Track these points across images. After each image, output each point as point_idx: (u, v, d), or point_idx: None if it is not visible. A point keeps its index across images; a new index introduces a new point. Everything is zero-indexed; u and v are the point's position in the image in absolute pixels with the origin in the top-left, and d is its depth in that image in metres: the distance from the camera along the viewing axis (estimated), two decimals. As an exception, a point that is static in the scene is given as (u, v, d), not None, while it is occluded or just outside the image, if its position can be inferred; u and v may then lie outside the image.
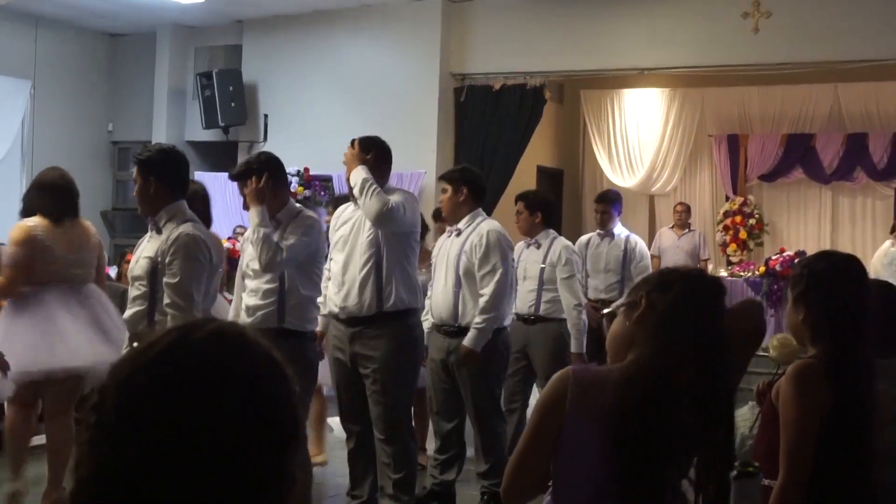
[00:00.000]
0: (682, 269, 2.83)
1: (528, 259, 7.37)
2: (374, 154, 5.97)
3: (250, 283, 5.59)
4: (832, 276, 3.21)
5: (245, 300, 5.60)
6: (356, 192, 5.81)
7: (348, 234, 6.00)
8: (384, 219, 5.75)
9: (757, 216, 14.61)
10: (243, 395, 1.34)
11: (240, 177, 5.65)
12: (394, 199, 5.81)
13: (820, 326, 3.16)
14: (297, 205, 5.81)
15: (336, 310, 6.01)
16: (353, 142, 6.09)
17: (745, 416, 3.77)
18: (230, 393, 1.33)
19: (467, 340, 6.38)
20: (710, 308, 2.60)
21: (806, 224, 14.96)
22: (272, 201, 5.59)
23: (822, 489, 3.04)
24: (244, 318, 5.45)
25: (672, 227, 13.25)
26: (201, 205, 6.02)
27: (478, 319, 6.37)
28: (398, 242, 5.90)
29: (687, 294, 2.57)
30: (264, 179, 5.55)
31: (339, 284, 5.97)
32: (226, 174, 5.71)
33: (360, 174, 5.84)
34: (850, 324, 3.13)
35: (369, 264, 5.87)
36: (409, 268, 5.96)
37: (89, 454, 1.33)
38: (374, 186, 5.77)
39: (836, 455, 3.05)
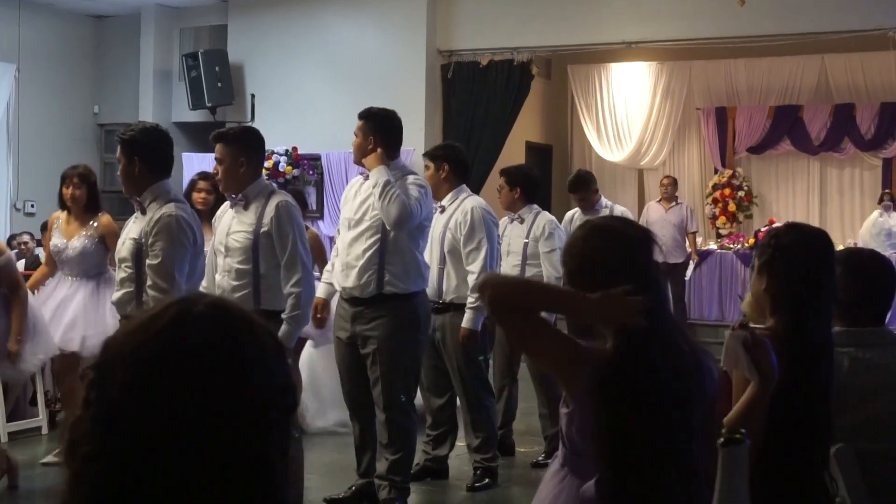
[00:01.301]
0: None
1: (512, 234, 7.36)
2: (375, 137, 5.91)
3: (223, 262, 5.45)
4: (798, 248, 3.20)
5: (219, 280, 5.48)
6: (376, 192, 5.71)
7: (354, 213, 5.93)
8: (402, 223, 5.69)
9: (746, 188, 14.65)
10: (248, 367, 1.35)
11: (219, 138, 5.54)
12: (412, 194, 5.73)
13: (779, 298, 3.15)
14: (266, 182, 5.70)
15: (339, 289, 5.98)
16: (359, 116, 6.00)
17: None
18: (237, 364, 1.34)
19: (466, 322, 6.38)
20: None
21: (795, 195, 15.01)
22: (244, 177, 5.48)
23: (770, 463, 3.03)
24: None
25: (659, 201, 13.25)
26: None
27: (471, 299, 6.36)
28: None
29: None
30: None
31: (343, 263, 5.91)
32: (213, 155, 5.60)
33: (381, 176, 5.72)
34: (810, 298, 3.13)
35: (374, 248, 5.80)
36: (415, 251, 5.89)
37: (93, 431, 1.32)
38: (395, 191, 5.66)
39: (783, 430, 3.05)
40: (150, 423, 1.30)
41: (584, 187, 8.48)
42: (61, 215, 7.10)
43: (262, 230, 5.31)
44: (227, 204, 5.61)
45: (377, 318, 5.80)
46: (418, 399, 6.85)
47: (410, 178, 5.90)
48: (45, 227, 10.73)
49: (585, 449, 2.68)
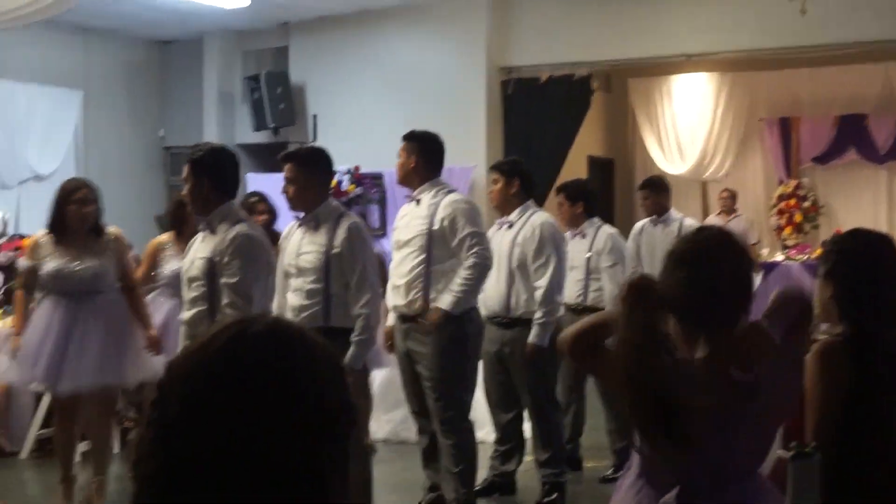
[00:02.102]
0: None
1: (574, 249, 7.33)
2: (416, 157, 6.01)
3: (294, 282, 5.56)
4: (861, 254, 3.18)
5: (290, 299, 5.59)
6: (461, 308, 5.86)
7: (402, 234, 6.04)
8: (489, 267, 5.94)
9: (811, 199, 14.47)
10: (304, 387, 1.36)
11: (289, 158, 5.64)
12: (472, 230, 5.87)
13: (846, 304, 3.13)
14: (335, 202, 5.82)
15: (390, 307, 6.09)
16: (403, 138, 6.12)
17: None
18: (291, 384, 1.36)
19: (533, 337, 6.38)
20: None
21: (861, 205, 14.78)
22: (314, 197, 5.59)
23: (846, 469, 3.00)
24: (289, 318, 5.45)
25: (719, 214, 13.13)
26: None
27: (538, 314, 6.38)
28: (450, 245, 5.91)
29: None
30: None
31: (394, 283, 6.03)
32: (278, 175, 5.69)
33: (448, 307, 5.82)
34: (876, 303, 3.09)
35: (420, 266, 5.89)
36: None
37: (151, 451, 1.35)
38: (465, 295, 5.82)
39: (858, 436, 3.02)
40: (206, 441, 1.32)
41: (654, 189, 8.43)
42: (166, 238, 7.22)
43: (334, 251, 5.41)
44: (293, 224, 5.68)
45: (426, 335, 5.85)
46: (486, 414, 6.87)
47: (453, 198, 5.97)
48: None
49: (661, 460, 2.67)
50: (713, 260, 2.71)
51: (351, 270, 5.41)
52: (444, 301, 5.80)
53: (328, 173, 5.74)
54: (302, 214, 5.60)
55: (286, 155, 5.65)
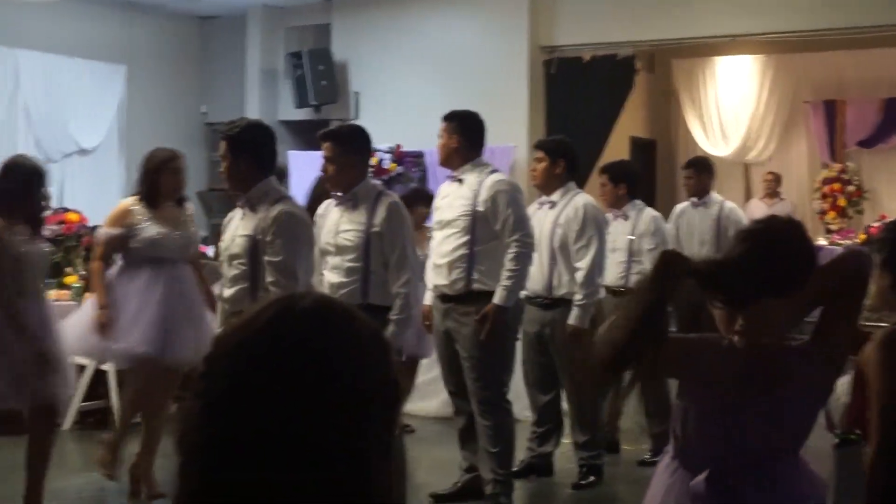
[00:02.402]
0: None
1: (616, 231, 7.29)
2: (458, 137, 5.98)
3: (332, 260, 5.57)
4: None
5: (327, 276, 5.59)
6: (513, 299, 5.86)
7: (445, 214, 6.01)
8: (532, 253, 5.96)
9: (856, 183, 14.32)
10: (350, 362, 1.37)
11: (328, 137, 5.62)
12: (518, 215, 5.84)
13: None
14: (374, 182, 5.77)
15: (431, 286, 6.08)
16: (443, 118, 6.11)
17: (847, 383, 3.70)
18: (338, 359, 1.36)
19: (573, 318, 6.36)
20: None
21: (907, 190, 14.62)
22: (353, 175, 5.58)
23: (890, 464, 2.96)
24: None
25: (762, 198, 13.02)
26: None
27: (578, 296, 6.36)
28: (494, 226, 5.89)
29: None
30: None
31: (435, 262, 6.01)
32: (319, 153, 5.67)
33: (501, 302, 5.80)
34: None
35: (463, 246, 5.87)
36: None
37: (198, 423, 1.36)
38: (515, 286, 5.81)
39: None
40: (251, 415, 1.32)
41: (699, 168, 8.38)
42: (132, 201, 6.44)
43: (374, 230, 5.42)
44: (329, 202, 5.68)
45: (466, 315, 5.85)
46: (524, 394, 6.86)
47: (496, 178, 5.95)
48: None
49: (696, 442, 2.67)
50: (775, 237, 2.73)
51: (391, 250, 5.42)
52: (497, 296, 5.78)
53: (367, 152, 5.74)
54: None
55: (324, 133, 5.64)
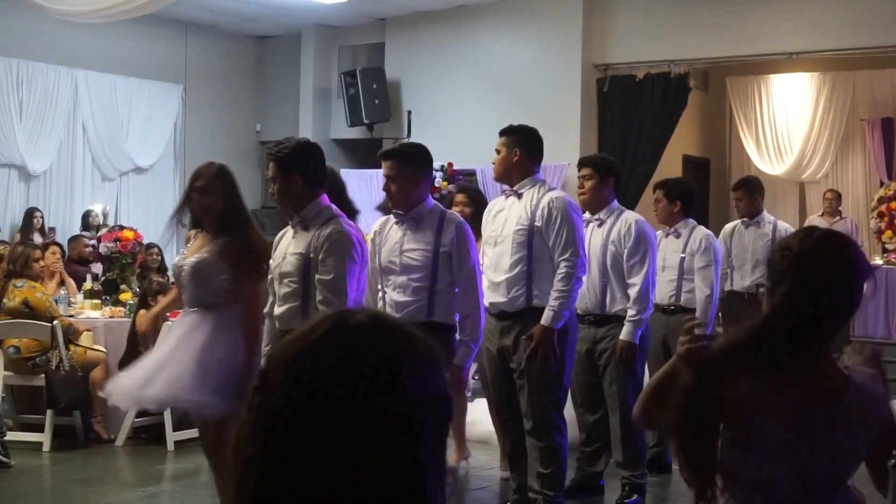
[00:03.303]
0: None
1: (668, 248, 7.25)
2: (519, 150, 5.95)
3: (396, 279, 5.56)
4: None
5: (391, 295, 5.59)
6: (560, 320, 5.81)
7: (500, 230, 5.97)
8: (584, 269, 5.86)
9: (913, 202, 14.13)
10: (403, 377, 1.38)
11: (391, 155, 5.59)
12: (573, 237, 5.76)
13: None
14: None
15: (487, 304, 6.00)
16: (501, 133, 6.07)
17: None
18: (391, 373, 1.37)
19: (624, 334, 6.32)
20: None
21: (965, 209, 14.39)
22: (415, 194, 5.57)
23: None
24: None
25: (822, 215, 12.89)
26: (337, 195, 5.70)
27: (632, 311, 6.32)
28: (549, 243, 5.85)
29: None
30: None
31: (491, 280, 5.95)
32: (372, 171, 5.67)
33: (548, 323, 5.73)
34: None
35: (521, 262, 5.83)
36: None
37: (254, 434, 1.37)
38: (562, 308, 5.73)
39: None
40: (306, 427, 1.34)
41: (749, 189, 8.33)
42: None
43: (443, 250, 5.42)
44: (386, 219, 5.68)
45: (525, 332, 5.81)
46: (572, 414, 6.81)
47: (554, 195, 5.90)
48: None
49: (747, 475, 2.62)
50: (819, 275, 2.58)
51: (459, 270, 5.44)
52: (545, 318, 5.76)
53: (430, 171, 5.74)
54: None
55: (388, 152, 5.64)
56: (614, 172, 6.63)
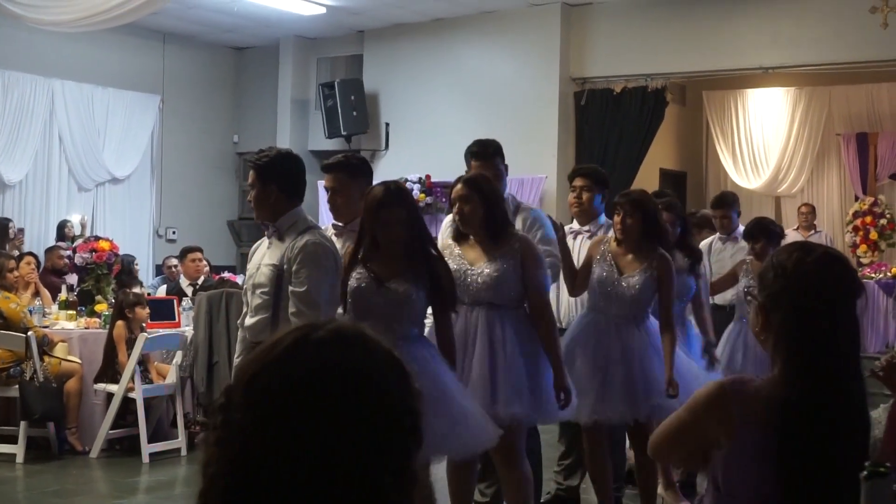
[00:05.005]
0: None
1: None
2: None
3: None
4: None
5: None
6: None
7: None
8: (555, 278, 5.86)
9: (888, 216, 14.22)
10: (364, 392, 1.36)
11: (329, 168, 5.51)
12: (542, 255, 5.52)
13: None
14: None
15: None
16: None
17: (880, 417, 3.64)
18: (352, 390, 1.36)
19: None
20: None
21: (940, 224, 14.49)
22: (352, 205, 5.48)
23: None
24: None
25: (797, 229, 12.95)
26: None
27: None
28: None
29: None
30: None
31: None
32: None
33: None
34: None
35: None
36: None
37: (218, 452, 1.37)
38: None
39: None
40: (264, 445, 1.34)
41: (728, 205, 8.38)
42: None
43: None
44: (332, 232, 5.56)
45: None
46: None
47: (527, 217, 5.90)
48: (184, 254, 10.97)
49: (739, 484, 2.60)
50: (818, 307, 2.53)
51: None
52: None
53: (371, 182, 5.60)
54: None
55: (329, 165, 5.50)
56: (608, 185, 6.65)
